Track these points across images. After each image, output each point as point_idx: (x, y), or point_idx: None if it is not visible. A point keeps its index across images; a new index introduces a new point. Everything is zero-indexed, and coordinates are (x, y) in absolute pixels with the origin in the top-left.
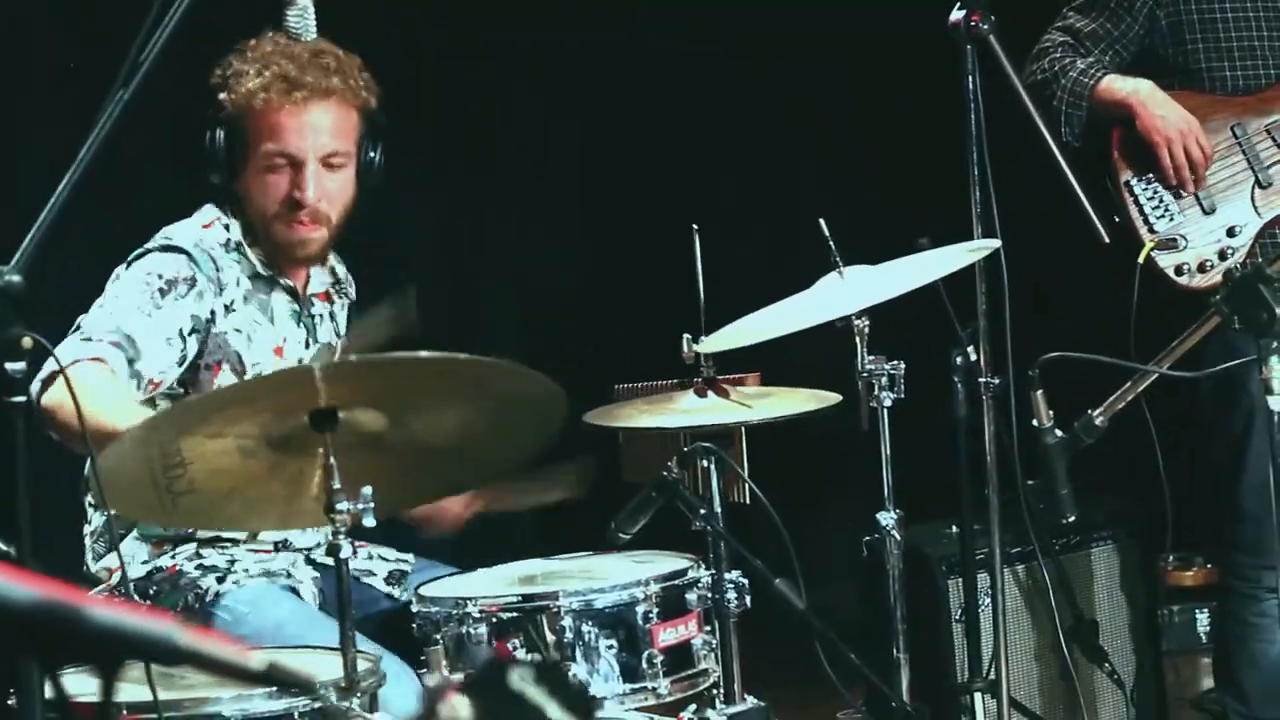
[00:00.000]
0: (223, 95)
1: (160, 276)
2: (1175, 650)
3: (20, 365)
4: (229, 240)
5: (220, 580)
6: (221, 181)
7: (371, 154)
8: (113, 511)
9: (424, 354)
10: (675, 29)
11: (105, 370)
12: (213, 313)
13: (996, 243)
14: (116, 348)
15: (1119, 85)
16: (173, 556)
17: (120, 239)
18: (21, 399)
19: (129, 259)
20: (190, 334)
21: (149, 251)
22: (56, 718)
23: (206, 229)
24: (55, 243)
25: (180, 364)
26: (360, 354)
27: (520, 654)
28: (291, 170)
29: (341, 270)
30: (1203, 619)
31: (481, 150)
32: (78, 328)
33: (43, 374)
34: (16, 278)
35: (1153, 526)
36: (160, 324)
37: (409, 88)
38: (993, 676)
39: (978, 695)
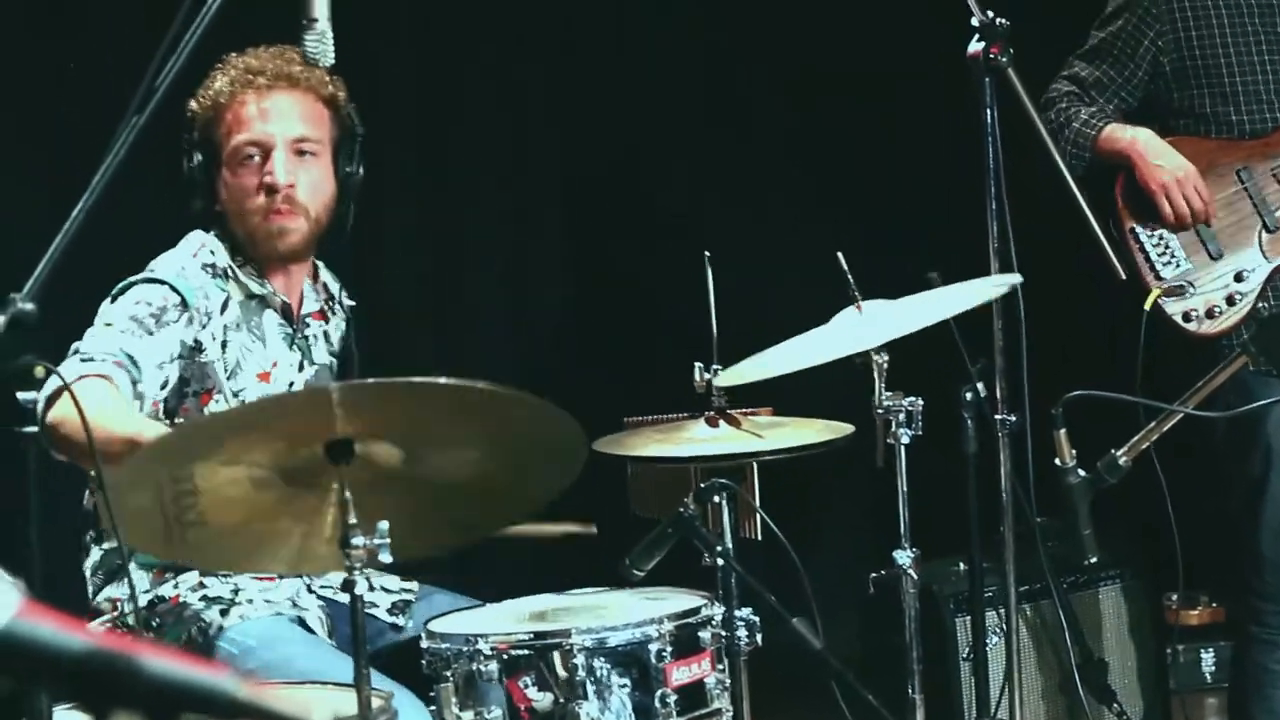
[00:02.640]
0: (194, 106)
1: (150, 304)
2: (1182, 689)
3: (33, 395)
4: (214, 265)
5: (224, 613)
6: (204, 205)
7: (349, 168)
8: (116, 528)
9: (443, 380)
10: (693, 58)
11: (111, 386)
12: (198, 341)
13: (1018, 278)
14: (120, 367)
15: (1119, 135)
16: (175, 586)
17: (114, 264)
18: (33, 429)
19: (114, 292)
20: (175, 359)
21: (134, 284)
22: None
23: (193, 257)
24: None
25: (163, 388)
26: None
27: (532, 691)
28: (261, 159)
29: (335, 286)
30: (1208, 658)
31: (492, 172)
32: (75, 351)
33: (47, 390)
34: (29, 306)
35: (1159, 566)
36: (156, 347)
37: (401, 122)
38: (1002, 716)
39: None
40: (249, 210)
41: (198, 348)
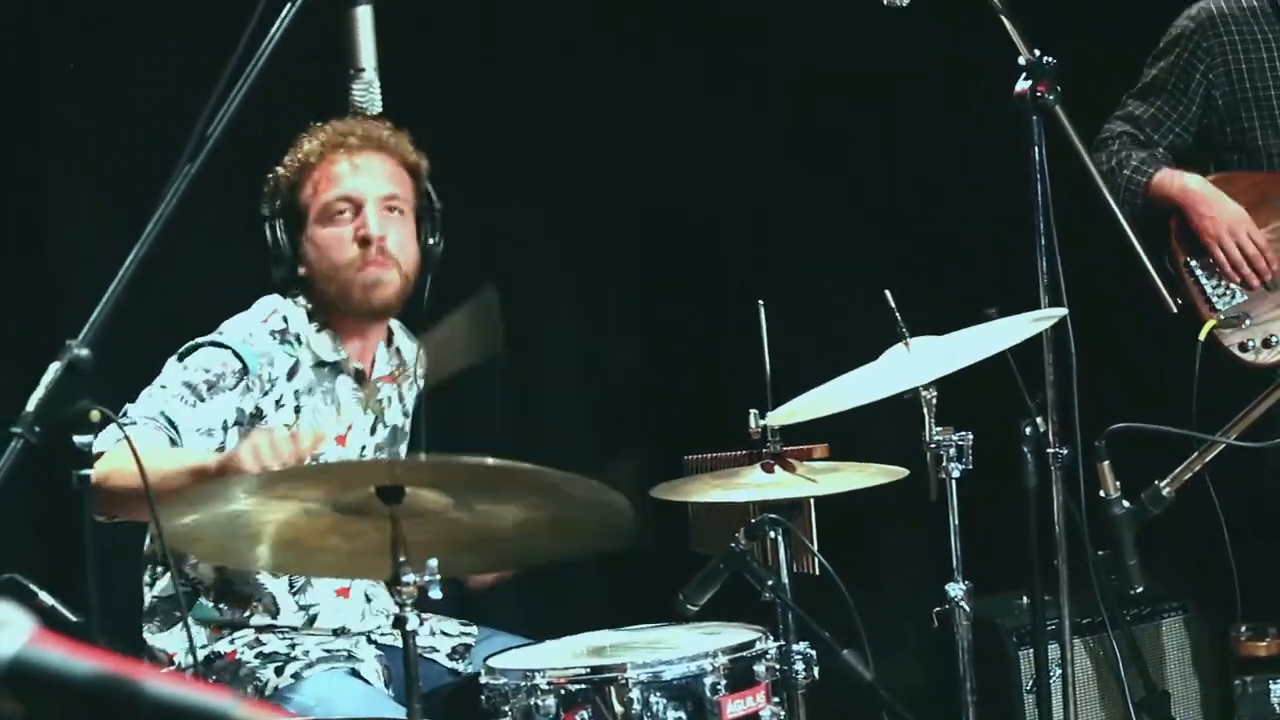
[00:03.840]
0: (281, 171)
1: (207, 371)
2: None
3: (89, 438)
4: (284, 331)
5: (279, 671)
6: (284, 273)
7: (432, 239)
8: (185, 569)
9: (490, 461)
10: (739, 101)
11: (153, 441)
12: (259, 408)
13: (1063, 311)
14: (159, 430)
15: (1170, 182)
16: (231, 642)
17: (168, 310)
18: (89, 471)
19: (181, 351)
20: (233, 425)
21: (199, 346)
22: None
23: (263, 323)
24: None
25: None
26: (441, 360)
27: None
28: (353, 213)
29: (409, 350)
30: (1276, 689)
31: (546, 220)
32: (124, 413)
33: (99, 447)
34: (85, 351)
35: (1223, 597)
36: (202, 415)
37: (464, 165)
38: None
39: None
40: (342, 264)
41: (258, 415)
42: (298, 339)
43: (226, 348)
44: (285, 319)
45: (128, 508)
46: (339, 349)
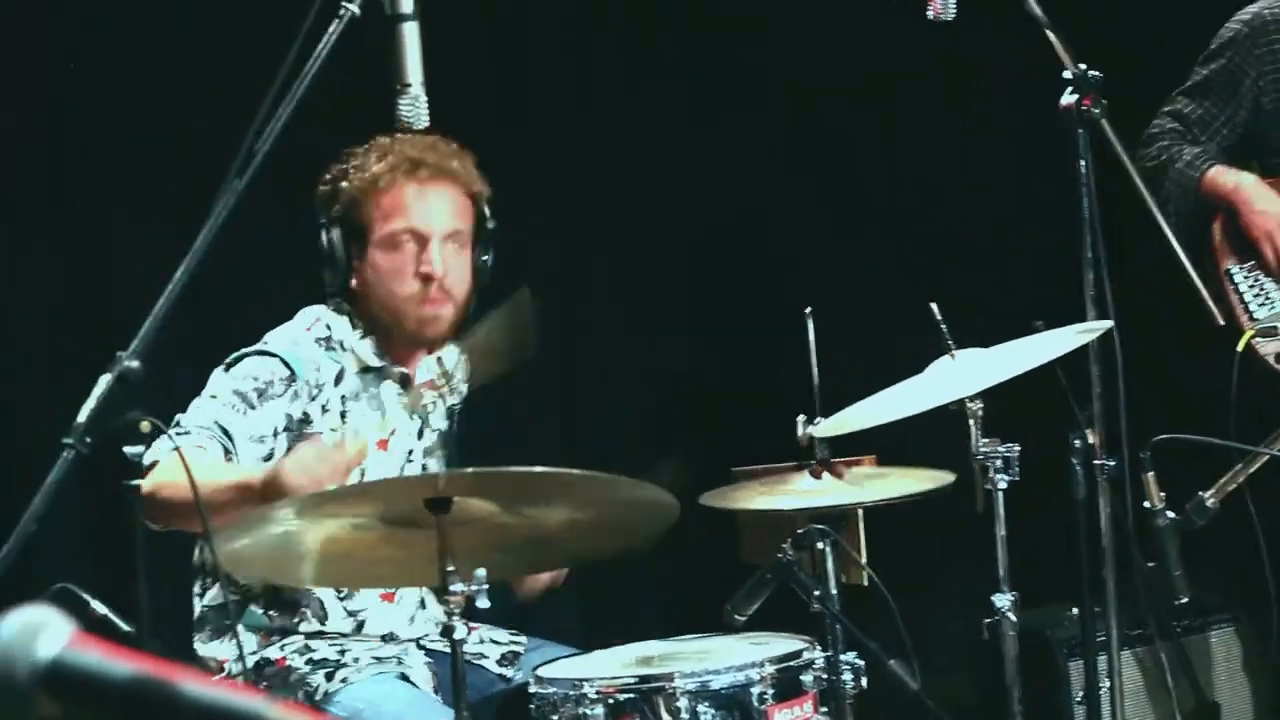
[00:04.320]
0: (343, 184)
1: (256, 379)
2: None
3: (139, 449)
4: (329, 339)
5: (330, 676)
6: (337, 281)
7: (485, 257)
8: (236, 579)
9: (538, 469)
10: (794, 111)
11: (204, 452)
12: (306, 414)
13: (1108, 324)
14: (213, 439)
15: (1224, 179)
16: (281, 648)
17: (217, 322)
18: (140, 481)
19: (226, 361)
20: (283, 431)
21: (245, 356)
22: None
23: (307, 331)
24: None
25: (266, 460)
26: (477, 361)
27: None
28: (417, 247)
29: (450, 358)
30: None
31: (595, 231)
32: (176, 423)
33: (151, 458)
34: (135, 363)
35: (1272, 608)
36: (254, 422)
37: (521, 171)
38: None
39: None
40: (401, 296)
41: (306, 420)
42: (341, 345)
43: (274, 355)
44: (329, 326)
45: (178, 518)
46: (383, 355)
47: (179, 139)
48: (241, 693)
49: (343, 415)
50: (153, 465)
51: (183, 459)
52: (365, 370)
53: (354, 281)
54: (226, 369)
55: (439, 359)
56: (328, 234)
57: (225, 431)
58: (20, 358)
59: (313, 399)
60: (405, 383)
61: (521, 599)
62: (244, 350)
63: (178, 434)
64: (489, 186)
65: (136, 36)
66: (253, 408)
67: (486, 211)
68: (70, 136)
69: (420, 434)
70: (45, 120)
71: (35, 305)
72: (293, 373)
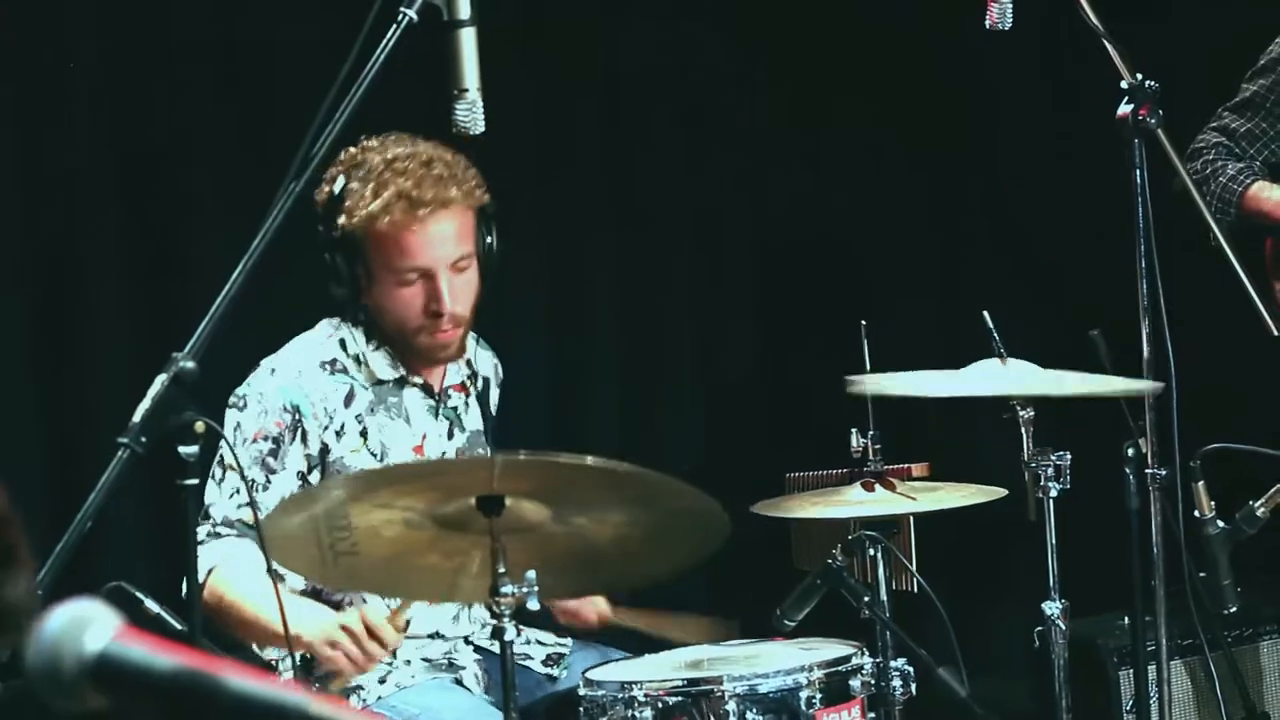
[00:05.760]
0: (340, 219)
1: (268, 437)
2: None
3: (194, 449)
4: (335, 361)
5: (382, 680)
6: (345, 296)
7: (488, 239)
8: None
9: (589, 460)
10: (852, 119)
11: (242, 563)
12: (325, 444)
13: (1160, 385)
14: (241, 537)
15: (1265, 195)
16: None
17: (271, 323)
18: (194, 481)
19: (232, 400)
20: (310, 471)
21: (247, 402)
22: None
23: (313, 354)
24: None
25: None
26: None
27: None
28: (424, 282)
29: (484, 361)
30: None
31: (655, 238)
32: (206, 514)
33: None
34: (191, 364)
35: None
36: (279, 486)
37: (592, 185)
38: None
39: None
40: (410, 326)
41: (325, 450)
42: (358, 360)
43: (276, 399)
44: (342, 342)
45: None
46: (397, 366)
47: (242, 138)
48: (284, 687)
49: (362, 434)
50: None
51: (219, 590)
52: (379, 383)
53: (364, 299)
54: (240, 408)
55: (468, 360)
56: (331, 256)
57: (254, 511)
58: (78, 357)
59: (325, 429)
60: (428, 389)
61: (573, 622)
62: (247, 389)
63: (210, 532)
64: (488, 193)
65: (197, 36)
66: (274, 473)
67: (486, 207)
68: (137, 132)
69: (451, 434)
70: (116, 115)
71: (93, 305)
72: (297, 411)
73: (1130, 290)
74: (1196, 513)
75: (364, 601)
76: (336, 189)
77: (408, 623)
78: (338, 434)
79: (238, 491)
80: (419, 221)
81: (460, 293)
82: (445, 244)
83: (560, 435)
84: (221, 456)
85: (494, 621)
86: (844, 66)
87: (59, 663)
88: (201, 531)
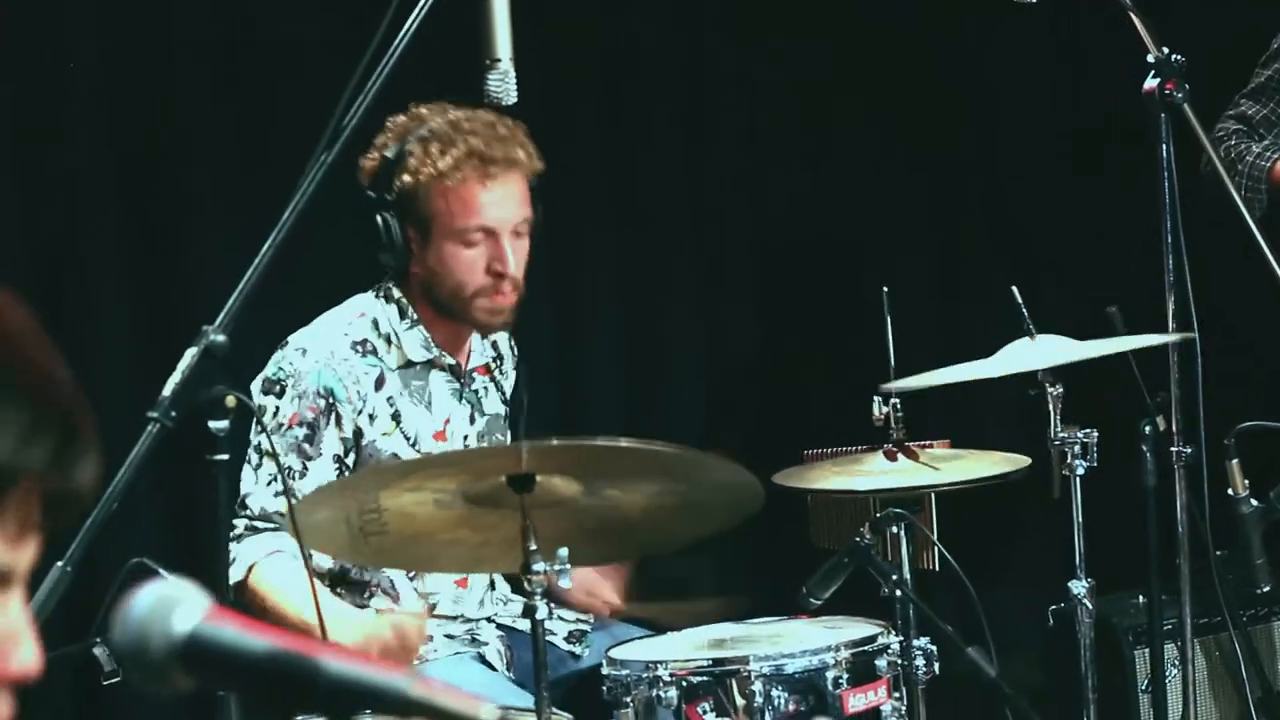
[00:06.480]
0: (402, 180)
1: (304, 423)
2: None
3: (224, 423)
4: (366, 341)
5: None
6: (395, 263)
7: (539, 209)
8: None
9: (624, 442)
10: (866, 95)
11: (283, 561)
12: (359, 428)
13: (1191, 335)
14: (278, 531)
15: None
16: None
17: (301, 296)
18: (224, 456)
19: (262, 385)
20: (346, 455)
21: (284, 387)
22: None
23: (344, 335)
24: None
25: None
26: None
27: (710, 717)
28: (488, 243)
29: (506, 345)
30: None
31: (665, 209)
32: (244, 504)
33: (235, 577)
34: (221, 337)
35: None
36: (317, 473)
37: (593, 169)
38: None
39: None
40: (471, 288)
41: (359, 434)
42: (389, 340)
43: (310, 383)
44: (375, 321)
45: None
46: (431, 346)
47: (269, 113)
48: (384, 669)
49: (394, 418)
50: (242, 584)
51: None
52: (408, 365)
53: (414, 267)
54: (279, 394)
55: (494, 343)
56: (384, 218)
57: (288, 499)
58: (77, 357)
59: (359, 413)
60: (455, 372)
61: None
62: (278, 371)
63: (247, 526)
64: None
65: (219, 11)
66: (310, 459)
67: (536, 183)
68: (155, 108)
69: (472, 419)
70: (139, 95)
71: (93, 305)
72: (331, 394)
73: (1132, 291)
74: (1230, 491)
75: (391, 583)
76: (390, 153)
77: (432, 607)
78: (371, 417)
79: (274, 479)
80: (491, 178)
81: (519, 257)
82: (511, 204)
83: (567, 413)
84: (259, 444)
85: (521, 599)
86: (844, 66)
87: (147, 644)
88: (240, 524)
